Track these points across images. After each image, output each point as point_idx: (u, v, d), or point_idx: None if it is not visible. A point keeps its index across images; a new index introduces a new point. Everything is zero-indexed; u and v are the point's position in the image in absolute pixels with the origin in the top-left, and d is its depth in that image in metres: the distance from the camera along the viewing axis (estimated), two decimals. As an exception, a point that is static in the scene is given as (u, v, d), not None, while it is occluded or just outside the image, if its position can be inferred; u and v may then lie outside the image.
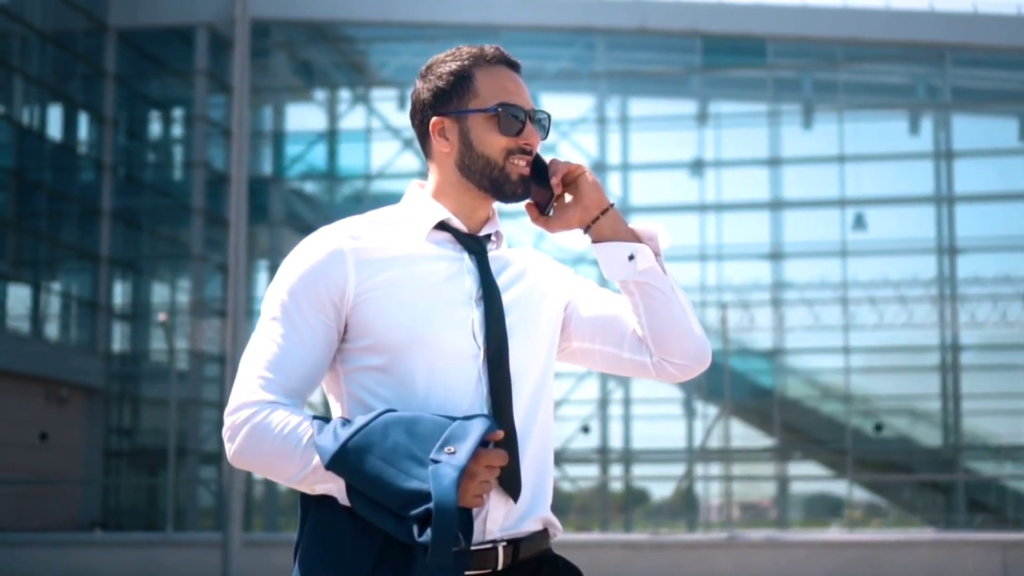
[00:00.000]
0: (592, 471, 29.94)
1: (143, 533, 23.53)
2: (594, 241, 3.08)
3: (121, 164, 30.46)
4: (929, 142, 28.67)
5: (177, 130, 32.57)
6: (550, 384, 3.10)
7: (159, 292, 31.89)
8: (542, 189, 3.09)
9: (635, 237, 3.08)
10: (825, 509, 29.59)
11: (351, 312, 2.91)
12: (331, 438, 2.74)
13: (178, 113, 32.01)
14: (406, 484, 2.65)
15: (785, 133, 28.74)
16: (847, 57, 28.37)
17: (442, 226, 3.04)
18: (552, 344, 3.11)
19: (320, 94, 31.60)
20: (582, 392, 28.80)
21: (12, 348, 26.90)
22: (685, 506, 28.31)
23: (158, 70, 31.25)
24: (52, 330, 29.50)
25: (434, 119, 3.04)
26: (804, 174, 28.93)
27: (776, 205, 28.43)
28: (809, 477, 30.05)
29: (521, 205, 3.12)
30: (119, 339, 30.55)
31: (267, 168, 30.99)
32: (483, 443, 2.74)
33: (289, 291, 2.93)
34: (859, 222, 28.19)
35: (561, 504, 29.65)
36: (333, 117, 30.73)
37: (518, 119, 3.01)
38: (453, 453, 2.67)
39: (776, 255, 28.35)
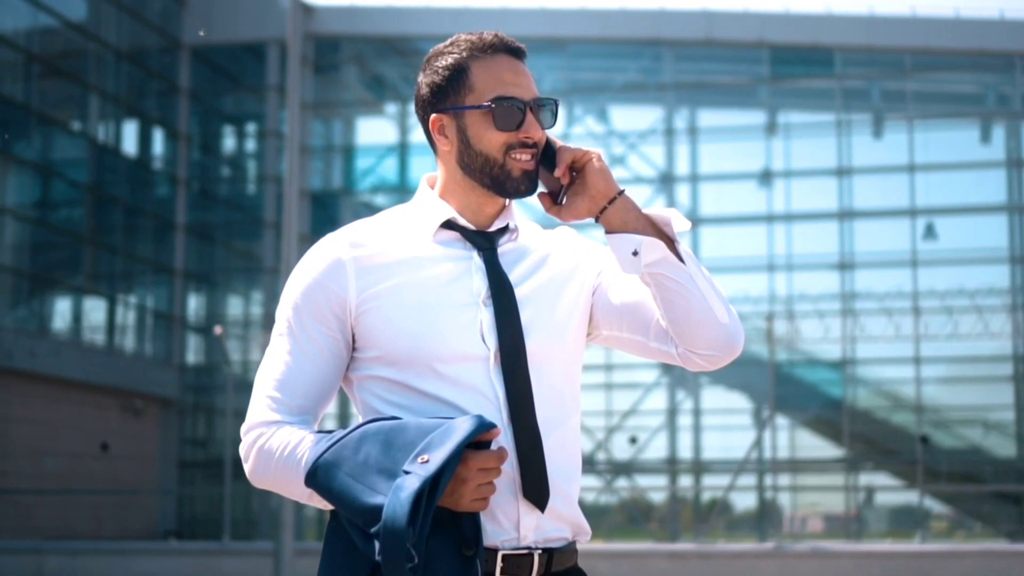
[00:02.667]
0: (661, 481, 29.91)
1: (200, 542, 23.83)
2: (607, 232, 2.89)
3: (195, 179, 30.94)
4: (1000, 151, 28.39)
5: (250, 144, 32.94)
6: (576, 376, 2.98)
7: (233, 305, 32.30)
8: (554, 177, 2.94)
9: (647, 225, 2.88)
10: (910, 521, 29.30)
11: (355, 322, 2.84)
12: (312, 455, 2.70)
13: (251, 128, 32.37)
14: (370, 500, 2.58)
15: (854, 143, 28.56)
16: (916, 66, 28.16)
17: (450, 225, 2.93)
18: (577, 333, 2.98)
19: (391, 107, 31.87)
20: (651, 403, 28.84)
21: (88, 360, 27.35)
22: (760, 517, 28.17)
23: (231, 86, 31.70)
24: (128, 342, 29.91)
25: (433, 116, 2.93)
26: (874, 184, 28.72)
27: (845, 215, 28.25)
28: (880, 488, 29.83)
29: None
30: (193, 351, 31.01)
31: (337, 181, 31.34)
32: (479, 444, 2.65)
33: (293, 306, 2.88)
34: (930, 232, 27.96)
35: (631, 515, 29.67)
36: (404, 130, 30.93)
37: (518, 110, 2.86)
38: (427, 462, 2.56)
39: (846, 265, 28.16)
